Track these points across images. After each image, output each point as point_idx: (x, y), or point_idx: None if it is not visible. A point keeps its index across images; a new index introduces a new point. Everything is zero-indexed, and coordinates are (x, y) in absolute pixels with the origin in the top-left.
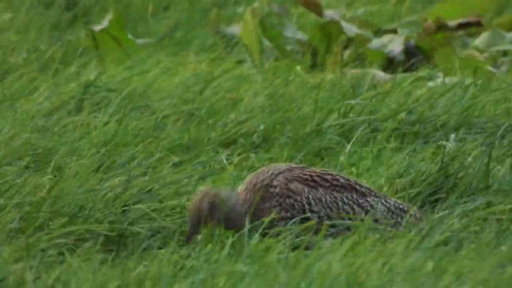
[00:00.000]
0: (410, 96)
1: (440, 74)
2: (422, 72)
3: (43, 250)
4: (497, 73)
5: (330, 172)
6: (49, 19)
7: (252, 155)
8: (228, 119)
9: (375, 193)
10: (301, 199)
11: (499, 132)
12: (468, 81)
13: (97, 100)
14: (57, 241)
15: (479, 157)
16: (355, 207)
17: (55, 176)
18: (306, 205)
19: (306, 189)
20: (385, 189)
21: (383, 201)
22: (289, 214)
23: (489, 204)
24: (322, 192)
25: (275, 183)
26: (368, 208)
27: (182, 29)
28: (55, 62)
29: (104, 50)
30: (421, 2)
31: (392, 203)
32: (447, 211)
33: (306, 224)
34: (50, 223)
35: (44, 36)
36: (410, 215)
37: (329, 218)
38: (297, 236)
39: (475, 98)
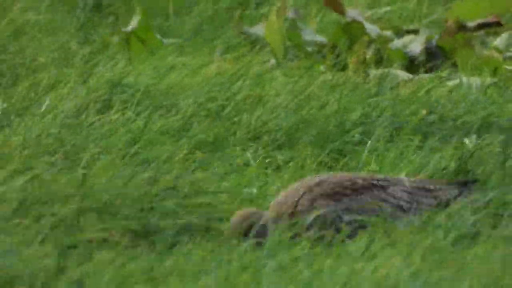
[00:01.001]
0: (431, 95)
1: (461, 74)
2: (443, 73)
3: (73, 246)
4: None
5: (347, 178)
6: (77, 19)
7: (279, 156)
8: (252, 118)
9: (391, 181)
10: (330, 215)
11: None
12: (488, 81)
13: (125, 99)
14: (86, 236)
15: (497, 155)
16: (380, 203)
17: (84, 173)
18: (337, 218)
19: (332, 204)
20: None
21: (401, 187)
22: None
23: (504, 200)
24: (347, 201)
25: (299, 206)
26: (392, 200)
27: (207, 29)
28: (83, 62)
29: (132, 50)
30: (440, 3)
31: (408, 185)
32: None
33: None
34: (80, 218)
35: (72, 37)
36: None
37: (363, 223)
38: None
39: (494, 98)
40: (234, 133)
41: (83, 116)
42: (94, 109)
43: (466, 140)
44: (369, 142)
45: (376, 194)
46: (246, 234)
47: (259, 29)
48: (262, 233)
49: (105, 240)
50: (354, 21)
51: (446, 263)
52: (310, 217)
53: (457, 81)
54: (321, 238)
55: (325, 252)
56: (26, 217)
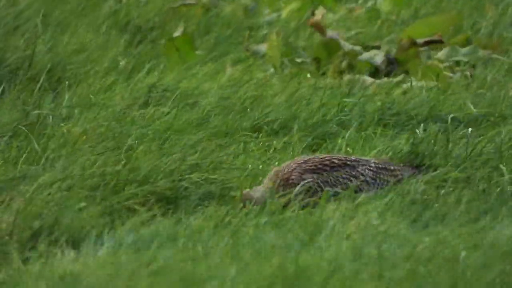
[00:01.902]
0: (389, 95)
1: (411, 79)
2: (399, 78)
3: (120, 209)
4: (454, 78)
5: (327, 158)
6: (124, 38)
7: (276, 142)
8: (255, 113)
9: (360, 161)
10: (313, 185)
11: (455, 122)
12: (432, 84)
13: (159, 98)
14: (130, 201)
15: (440, 141)
16: (351, 178)
17: (129, 154)
18: (318, 188)
19: (315, 176)
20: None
21: (369, 167)
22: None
23: (447, 174)
24: (326, 175)
25: (292, 177)
26: (360, 177)
27: (222, 45)
28: (127, 70)
29: (168, 58)
30: (398, 25)
31: (374, 165)
32: (415, 179)
33: (322, 196)
34: (125, 188)
35: (120, 51)
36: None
37: (336, 192)
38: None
39: (437, 97)
40: (242, 124)
41: (128, 111)
42: (136, 106)
43: (417, 130)
44: (344, 131)
45: (348, 171)
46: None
47: (261, 46)
48: (261, 199)
49: (143, 205)
50: (332, 39)
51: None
52: (299, 188)
53: (409, 84)
54: (307, 204)
55: (310, 212)
56: (85, 187)
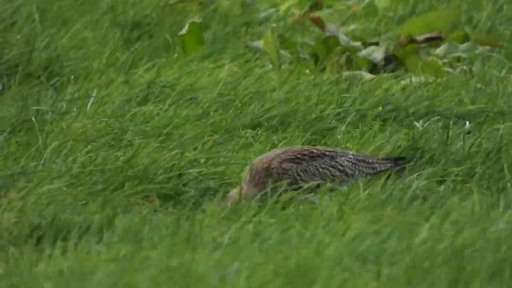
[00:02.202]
0: (388, 91)
1: (410, 75)
2: (397, 74)
3: (119, 205)
4: (452, 74)
5: (306, 148)
6: (122, 35)
7: (275, 137)
8: (254, 108)
9: (339, 153)
10: (292, 173)
11: (454, 117)
12: (430, 80)
13: (158, 94)
14: (130, 198)
15: (439, 136)
16: (330, 168)
17: (128, 150)
18: (297, 177)
19: (294, 166)
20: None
21: (347, 158)
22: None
23: (446, 170)
24: (305, 164)
25: (272, 166)
26: (339, 167)
27: (220, 41)
28: (125, 66)
29: (163, 57)
30: (395, 21)
31: (352, 157)
32: (415, 174)
33: (308, 185)
34: (125, 184)
35: (118, 47)
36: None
37: (315, 181)
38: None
39: (435, 92)
40: (241, 120)
41: (127, 107)
42: (135, 102)
43: (416, 124)
44: (342, 126)
45: (327, 161)
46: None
47: (259, 43)
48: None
49: (143, 200)
50: (331, 35)
51: (404, 217)
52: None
53: (407, 80)
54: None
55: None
56: (84, 183)
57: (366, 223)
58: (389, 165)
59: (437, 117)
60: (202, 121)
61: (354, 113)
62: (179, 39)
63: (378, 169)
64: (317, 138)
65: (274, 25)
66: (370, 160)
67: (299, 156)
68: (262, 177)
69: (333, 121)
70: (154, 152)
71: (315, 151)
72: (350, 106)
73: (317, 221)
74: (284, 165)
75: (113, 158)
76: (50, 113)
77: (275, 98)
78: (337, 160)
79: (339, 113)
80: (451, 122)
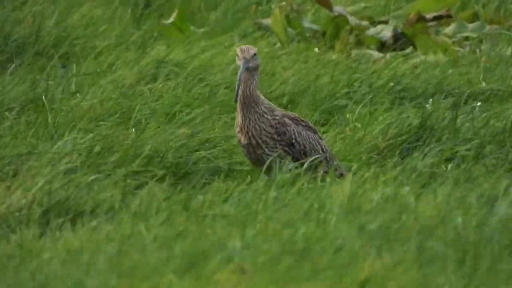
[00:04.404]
0: (397, 70)
1: (419, 54)
2: (406, 52)
3: (129, 185)
4: (462, 53)
5: (303, 119)
6: (132, 14)
7: None
8: (262, 87)
9: (321, 137)
10: (290, 129)
11: (464, 96)
12: (440, 59)
13: (167, 73)
14: (139, 177)
15: (449, 115)
16: (318, 144)
17: (137, 128)
18: (293, 135)
19: (293, 124)
20: (380, 138)
21: (324, 144)
22: (279, 138)
23: (454, 148)
24: (301, 128)
25: (276, 113)
26: (323, 147)
27: (229, 20)
28: (135, 45)
29: (172, 36)
30: (404, 0)
31: (327, 149)
32: (424, 153)
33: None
34: (134, 163)
35: (128, 26)
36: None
37: (304, 147)
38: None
39: (445, 71)
40: None
41: (136, 86)
42: (144, 81)
43: (427, 106)
44: (351, 105)
45: (316, 138)
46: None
47: (268, 21)
48: None
49: (153, 179)
50: (339, 14)
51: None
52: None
53: (417, 59)
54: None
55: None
56: (93, 164)
57: (374, 202)
58: (345, 172)
59: (446, 96)
60: (210, 100)
61: (364, 92)
62: (165, 28)
63: (339, 172)
64: (326, 116)
65: (283, 3)
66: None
67: (298, 119)
68: (265, 112)
69: (342, 100)
70: (163, 131)
71: (310, 125)
72: (359, 85)
73: (325, 200)
74: (286, 120)
75: (122, 137)
76: (59, 92)
77: (283, 77)
78: (322, 142)
79: (348, 92)
80: (462, 101)
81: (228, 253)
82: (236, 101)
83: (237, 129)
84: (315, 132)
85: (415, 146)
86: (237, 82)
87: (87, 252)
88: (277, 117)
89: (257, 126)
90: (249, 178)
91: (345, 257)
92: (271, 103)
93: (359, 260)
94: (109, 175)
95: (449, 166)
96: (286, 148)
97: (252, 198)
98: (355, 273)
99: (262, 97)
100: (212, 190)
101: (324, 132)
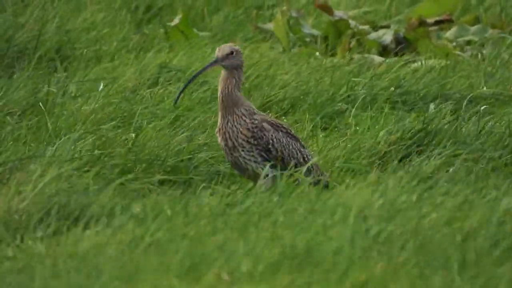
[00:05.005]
0: (399, 74)
1: (421, 58)
2: (408, 57)
3: (128, 189)
4: (463, 57)
5: (284, 125)
6: (133, 18)
7: (285, 120)
8: (264, 91)
9: (304, 145)
10: (269, 135)
11: (465, 100)
12: (441, 63)
13: (168, 77)
14: (139, 181)
15: (450, 119)
16: (298, 153)
17: (138, 133)
18: (270, 140)
19: (272, 130)
20: (381, 142)
21: (307, 152)
22: (256, 142)
23: (456, 153)
24: (281, 134)
25: (256, 117)
26: (305, 156)
27: (231, 25)
28: (137, 49)
29: (174, 41)
30: (406, 4)
31: (310, 157)
32: (426, 156)
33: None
34: (135, 168)
35: (129, 30)
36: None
37: (283, 154)
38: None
39: (447, 75)
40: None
41: (137, 90)
42: (146, 85)
43: (431, 107)
44: (352, 110)
45: (298, 146)
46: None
47: (269, 26)
48: None
49: (152, 184)
50: (341, 19)
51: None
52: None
53: (418, 63)
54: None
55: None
56: (94, 166)
57: (376, 206)
58: (322, 177)
59: (448, 101)
60: (211, 104)
61: (365, 96)
62: (168, 31)
63: (317, 178)
64: (327, 121)
65: (284, 7)
66: (317, 170)
67: (279, 125)
68: (244, 115)
69: (343, 105)
70: (164, 135)
71: (291, 132)
72: (361, 89)
73: (326, 203)
74: (265, 124)
75: (123, 141)
76: (60, 96)
77: (285, 81)
78: (305, 150)
79: (349, 96)
80: (463, 106)
81: (229, 258)
82: (175, 104)
83: (216, 129)
84: (296, 140)
85: (417, 151)
86: (186, 83)
87: (88, 256)
88: (256, 121)
89: (234, 128)
90: (250, 182)
91: (346, 260)
92: (253, 106)
93: (360, 263)
94: (110, 179)
95: (451, 169)
96: (263, 153)
97: (253, 202)
98: (356, 276)
99: (243, 99)
100: (213, 194)
101: (325, 137)
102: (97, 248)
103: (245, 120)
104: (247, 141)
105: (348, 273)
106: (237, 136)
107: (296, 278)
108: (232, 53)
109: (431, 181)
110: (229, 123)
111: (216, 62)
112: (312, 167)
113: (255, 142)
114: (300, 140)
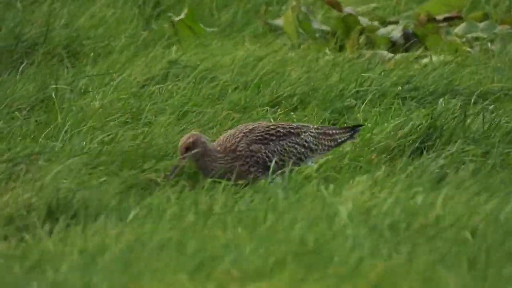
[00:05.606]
0: (408, 70)
1: (430, 54)
2: (417, 53)
3: (137, 184)
4: (472, 53)
5: (272, 126)
6: (141, 14)
7: (294, 116)
8: (273, 87)
9: (302, 128)
10: (261, 155)
11: (473, 96)
12: (450, 59)
13: (177, 73)
14: (148, 176)
15: (458, 115)
16: (296, 146)
17: (146, 128)
18: (266, 158)
19: (262, 147)
20: (390, 138)
21: (310, 133)
22: (255, 168)
23: (464, 149)
24: (273, 144)
25: (239, 148)
26: (304, 143)
27: (240, 20)
28: (146, 45)
29: (182, 36)
30: (414, 0)
31: (314, 131)
32: (434, 154)
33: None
34: (144, 164)
35: (138, 26)
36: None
37: (283, 160)
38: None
39: (456, 71)
40: (260, 99)
41: (146, 86)
42: (155, 81)
43: (440, 102)
44: (362, 105)
45: (293, 139)
46: (187, 150)
47: (279, 21)
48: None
49: (162, 179)
50: (350, 14)
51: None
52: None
53: (427, 59)
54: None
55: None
56: (103, 162)
57: (385, 202)
58: (348, 134)
59: (456, 96)
60: (221, 100)
61: (374, 92)
62: (176, 26)
63: (339, 140)
64: (336, 116)
65: (294, 3)
66: (331, 132)
67: (266, 136)
68: (229, 159)
69: (352, 100)
70: (173, 130)
71: (281, 130)
72: (370, 85)
73: (335, 199)
74: (253, 147)
75: (131, 137)
76: (69, 91)
77: (294, 77)
78: (302, 136)
79: (358, 92)
80: (472, 101)
81: (238, 254)
82: (171, 179)
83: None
84: (289, 133)
85: (425, 146)
86: (173, 169)
87: (96, 252)
88: (242, 152)
89: (228, 168)
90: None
91: (356, 257)
92: (219, 142)
93: (371, 260)
94: (119, 174)
95: (460, 166)
96: (263, 169)
97: (263, 199)
98: (366, 273)
99: (212, 147)
100: (222, 191)
101: None
102: (105, 244)
103: (228, 160)
104: (248, 171)
105: (358, 271)
106: (237, 170)
107: (306, 275)
108: (189, 147)
109: (439, 177)
110: (225, 172)
111: (179, 165)
112: (316, 144)
113: (254, 169)
114: (294, 128)
